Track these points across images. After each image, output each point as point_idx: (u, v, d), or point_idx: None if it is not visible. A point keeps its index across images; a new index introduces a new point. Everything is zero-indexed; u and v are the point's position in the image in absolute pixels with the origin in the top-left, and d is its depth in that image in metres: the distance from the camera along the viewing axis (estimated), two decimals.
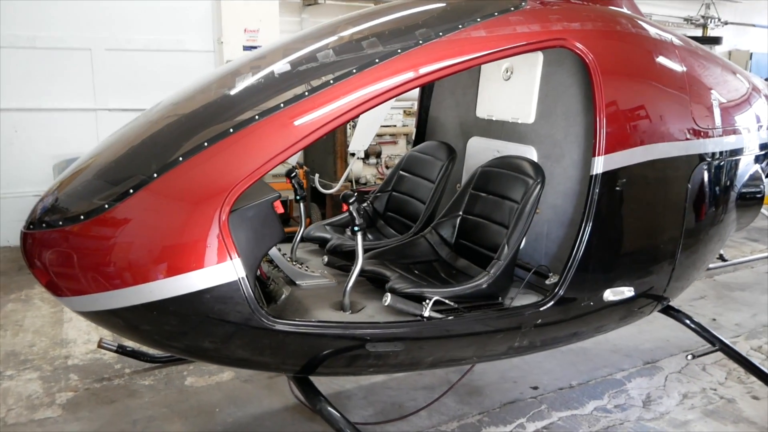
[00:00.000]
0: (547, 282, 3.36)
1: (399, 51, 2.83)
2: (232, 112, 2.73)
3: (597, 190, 3.11)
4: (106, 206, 2.57)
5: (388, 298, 2.96)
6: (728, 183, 3.84)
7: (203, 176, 2.57)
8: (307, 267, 3.60)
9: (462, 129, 4.33)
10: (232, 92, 2.94)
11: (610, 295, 3.33)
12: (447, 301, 3.01)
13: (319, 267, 3.73)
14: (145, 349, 4.89)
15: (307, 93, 2.67)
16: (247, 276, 2.59)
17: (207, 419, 4.06)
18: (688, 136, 3.47)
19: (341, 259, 3.71)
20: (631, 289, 3.38)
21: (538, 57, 3.66)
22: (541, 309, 3.16)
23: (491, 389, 4.47)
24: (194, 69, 7.72)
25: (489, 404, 4.29)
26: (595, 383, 4.61)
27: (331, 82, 2.70)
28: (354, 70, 2.72)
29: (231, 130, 2.63)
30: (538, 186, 3.24)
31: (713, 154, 3.66)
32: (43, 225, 2.61)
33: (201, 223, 2.53)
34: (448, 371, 4.52)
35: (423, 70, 2.81)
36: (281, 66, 2.92)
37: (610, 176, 3.14)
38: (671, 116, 3.38)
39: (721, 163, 3.74)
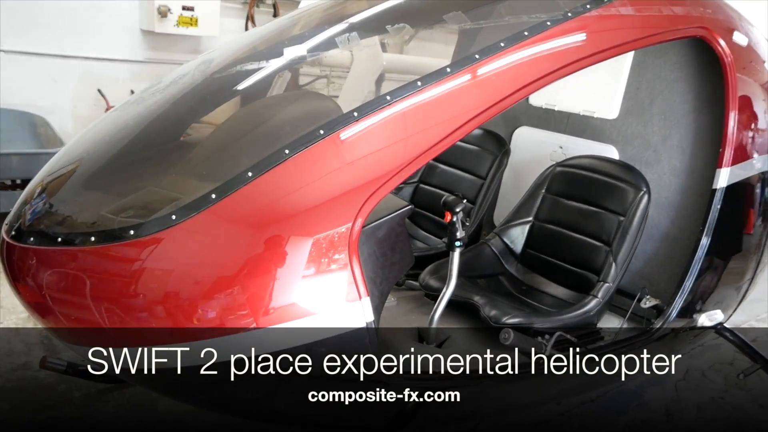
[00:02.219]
0: (643, 305, 2.94)
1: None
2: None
3: (719, 206, 2.71)
4: (174, 217, 1.76)
5: (510, 337, 2.39)
6: None
7: (327, 177, 1.82)
8: None
9: (504, 116, 3.77)
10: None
11: (705, 320, 2.99)
12: (569, 337, 2.50)
13: None
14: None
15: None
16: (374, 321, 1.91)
17: None
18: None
19: None
20: (721, 312, 3.06)
21: None
22: (651, 337, 2.74)
23: (519, 410, 4.06)
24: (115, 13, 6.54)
25: (518, 429, 3.88)
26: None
27: (502, 45, 2.01)
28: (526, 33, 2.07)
29: (355, 114, 1.89)
30: (646, 196, 2.81)
31: None
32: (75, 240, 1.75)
33: (323, 247, 1.79)
34: None
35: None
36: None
37: (732, 190, 2.76)
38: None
39: None
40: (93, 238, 1.78)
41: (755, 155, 2.90)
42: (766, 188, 3.07)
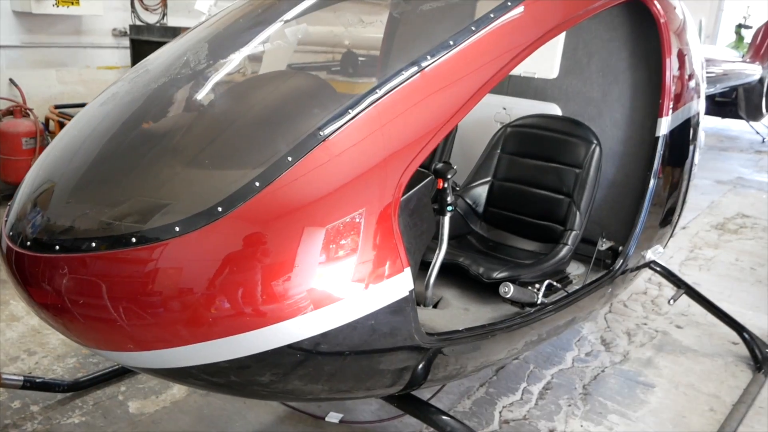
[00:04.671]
0: (600, 248, 3.22)
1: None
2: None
3: (662, 152, 3.02)
4: (219, 209, 1.75)
5: (511, 290, 2.56)
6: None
7: (365, 149, 1.87)
8: None
9: None
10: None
11: (651, 255, 3.33)
12: (555, 284, 2.71)
13: None
14: (54, 375, 3.78)
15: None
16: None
17: None
18: (700, 96, 3.55)
19: None
20: (661, 247, 3.42)
21: None
22: (616, 277, 3.03)
23: None
24: None
25: (483, 374, 4.13)
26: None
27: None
28: None
29: (377, 89, 1.93)
30: (598, 148, 3.06)
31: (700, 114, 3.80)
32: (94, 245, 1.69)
33: (370, 223, 1.85)
34: None
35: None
36: None
37: (671, 135, 3.07)
38: (695, 78, 3.41)
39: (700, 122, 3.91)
40: (134, 240, 1.72)
41: (686, 102, 3.23)
42: (693, 129, 3.44)
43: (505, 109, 3.59)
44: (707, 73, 6.28)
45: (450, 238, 3.20)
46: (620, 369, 4.27)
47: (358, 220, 1.84)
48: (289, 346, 1.84)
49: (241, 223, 1.75)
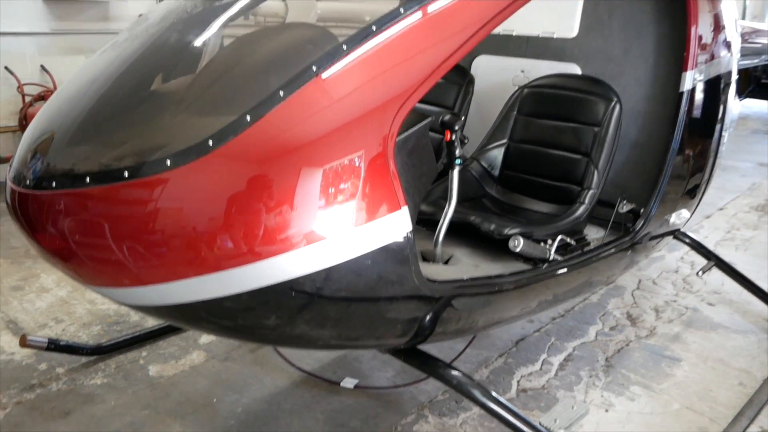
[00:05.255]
0: (620, 210, 3.13)
1: None
2: None
3: (686, 108, 2.91)
4: (210, 143, 1.75)
5: (521, 243, 2.51)
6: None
7: (359, 85, 1.84)
8: None
9: None
10: None
11: (675, 219, 3.22)
12: (568, 240, 2.64)
13: None
14: (79, 341, 3.86)
15: None
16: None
17: (210, 414, 3.29)
18: (732, 54, 3.41)
19: None
20: (687, 211, 3.30)
21: None
22: (635, 238, 2.94)
23: (493, 330, 4.24)
24: None
25: (502, 345, 4.08)
26: (579, 309, 4.61)
27: None
28: None
29: (372, 27, 1.90)
30: (618, 106, 2.97)
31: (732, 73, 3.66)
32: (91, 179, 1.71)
33: (363, 159, 1.83)
34: None
35: None
36: None
37: (696, 91, 2.95)
38: (725, 33, 3.28)
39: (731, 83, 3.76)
40: (126, 174, 1.74)
41: (715, 58, 3.11)
42: (722, 89, 3.31)
43: (523, 71, 3.52)
44: (753, 43, 6.04)
45: (464, 200, 3.18)
46: (646, 343, 4.16)
47: (351, 155, 1.82)
48: (286, 284, 1.83)
49: (233, 157, 1.76)
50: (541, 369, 3.82)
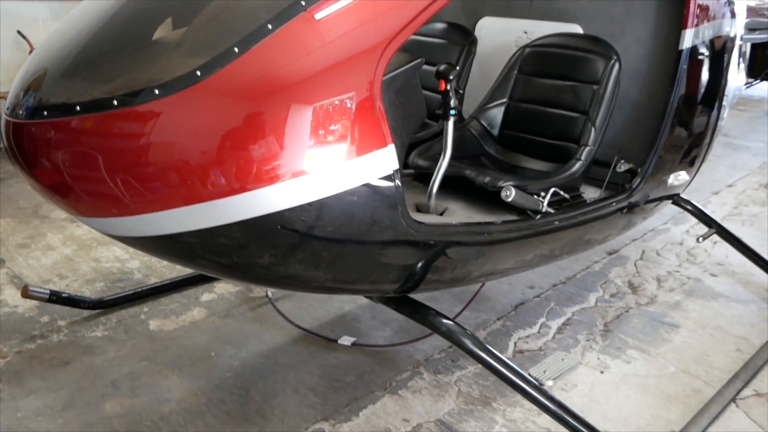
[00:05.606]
0: (618, 170, 3.12)
1: None
2: None
3: (685, 66, 2.88)
4: (199, 73, 1.76)
5: (512, 193, 2.51)
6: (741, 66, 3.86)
7: (348, 21, 1.84)
8: None
9: (465, 8, 3.81)
10: None
11: (673, 180, 3.20)
12: (562, 193, 2.64)
13: None
14: (80, 292, 3.92)
15: None
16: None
17: (207, 366, 3.34)
18: (735, 15, 3.37)
19: None
20: (685, 173, 3.28)
21: None
22: (631, 196, 2.93)
23: (493, 294, 4.27)
24: None
25: (501, 309, 4.09)
26: (581, 276, 4.61)
27: None
28: None
29: None
30: (617, 64, 2.95)
31: (736, 36, 3.61)
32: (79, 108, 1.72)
33: (348, 94, 1.83)
34: None
35: None
36: None
37: (696, 50, 2.93)
38: None
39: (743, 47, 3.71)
40: (116, 102, 1.76)
41: (716, 18, 3.07)
42: (724, 52, 3.27)
43: (526, 33, 3.50)
44: None
45: (463, 157, 3.18)
46: (645, 310, 4.16)
47: (337, 91, 1.83)
48: (273, 216, 1.85)
49: (220, 87, 1.77)
50: (539, 332, 3.83)
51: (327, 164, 1.85)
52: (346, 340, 3.57)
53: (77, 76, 1.92)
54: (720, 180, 7.09)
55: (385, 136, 1.91)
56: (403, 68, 2.10)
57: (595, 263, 4.85)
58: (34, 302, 3.79)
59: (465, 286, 3.77)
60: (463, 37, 3.60)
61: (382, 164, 1.93)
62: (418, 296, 2.80)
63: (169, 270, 4.29)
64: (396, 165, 1.97)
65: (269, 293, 3.97)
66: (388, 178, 1.96)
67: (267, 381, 3.24)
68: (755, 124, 10.17)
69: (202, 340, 3.57)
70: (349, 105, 1.84)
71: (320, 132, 1.82)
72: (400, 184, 2.00)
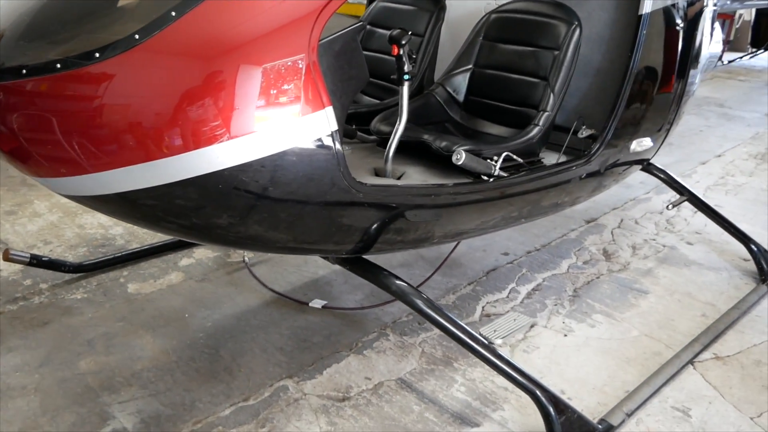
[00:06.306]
0: (580, 135, 3.16)
1: None
2: None
3: (645, 31, 2.90)
4: (137, 36, 1.83)
5: (462, 156, 2.57)
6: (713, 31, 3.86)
7: None
8: None
9: None
10: None
11: (636, 146, 3.24)
12: (515, 157, 2.69)
13: None
14: (63, 257, 4.02)
15: None
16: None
17: (180, 327, 3.44)
18: None
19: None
20: (650, 139, 3.32)
21: None
22: (590, 161, 2.98)
23: (466, 260, 4.34)
24: None
25: (473, 274, 4.16)
26: (556, 244, 4.67)
27: None
28: None
29: None
30: (578, 29, 2.97)
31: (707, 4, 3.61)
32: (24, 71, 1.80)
33: (285, 56, 1.89)
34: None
35: None
36: None
37: (657, 15, 2.94)
38: None
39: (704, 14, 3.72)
40: (59, 65, 1.83)
41: None
42: (690, 17, 3.28)
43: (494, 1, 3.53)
44: None
45: (428, 123, 3.23)
46: (616, 276, 4.22)
47: (274, 54, 1.89)
48: (216, 174, 1.93)
49: (158, 50, 1.84)
50: (507, 297, 3.91)
51: (265, 125, 1.92)
52: (317, 303, 3.67)
53: (30, 40, 1.99)
54: (709, 150, 7.09)
55: (323, 99, 1.97)
56: (342, 31, 2.16)
57: (571, 231, 4.91)
58: (18, 266, 3.90)
59: (435, 247, 3.84)
60: (432, 4, 3.63)
61: (320, 126, 2.00)
62: (377, 258, 2.87)
63: (151, 237, 4.39)
64: (335, 126, 2.03)
65: (246, 258, 4.06)
66: (327, 139, 2.03)
67: (237, 341, 3.34)
68: (754, 94, 10.09)
69: (177, 303, 3.67)
70: (285, 68, 1.90)
71: (256, 94, 1.89)
72: (339, 145, 2.06)
